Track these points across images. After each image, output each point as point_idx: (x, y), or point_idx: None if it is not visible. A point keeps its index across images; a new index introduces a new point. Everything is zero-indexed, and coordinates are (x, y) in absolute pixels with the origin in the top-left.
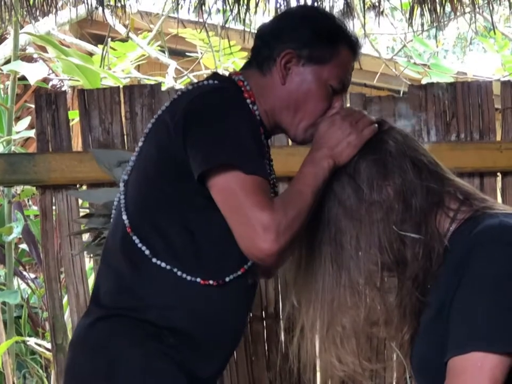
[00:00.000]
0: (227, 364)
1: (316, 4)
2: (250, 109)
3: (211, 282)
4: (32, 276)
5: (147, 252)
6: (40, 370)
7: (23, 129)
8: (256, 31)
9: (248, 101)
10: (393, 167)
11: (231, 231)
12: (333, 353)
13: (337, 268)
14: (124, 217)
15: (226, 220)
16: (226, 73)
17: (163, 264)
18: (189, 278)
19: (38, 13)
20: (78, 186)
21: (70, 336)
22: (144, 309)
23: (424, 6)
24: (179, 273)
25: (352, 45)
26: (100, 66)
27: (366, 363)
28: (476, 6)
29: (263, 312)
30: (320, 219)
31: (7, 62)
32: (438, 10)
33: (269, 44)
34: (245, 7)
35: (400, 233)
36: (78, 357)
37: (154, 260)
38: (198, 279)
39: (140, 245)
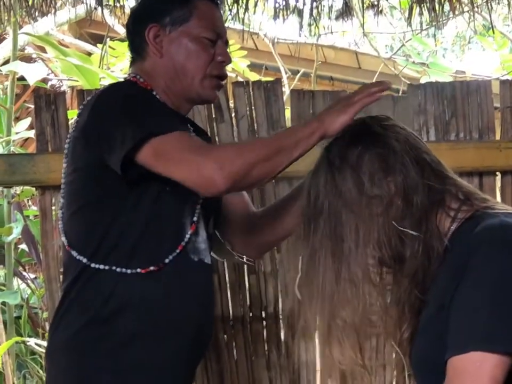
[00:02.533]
0: (202, 351)
1: (313, 4)
2: (151, 93)
3: (152, 268)
4: (32, 276)
5: (84, 260)
6: (40, 371)
7: (23, 129)
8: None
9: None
10: (395, 163)
11: (159, 213)
12: (333, 348)
13: (337, 261)
14: (63, 238)
15: (172, 178)
16: None
17: (101, 266)
18: (129, 271)
19: (36, 13)
20: None
21: None
22: (98, 317)
23: (423, 5)
24: (118, 269)
25: None
26: (99, 66)
27: (366, 359)
28: (475, 5)
29: (263, 312)
30: (321, 212)
31: (6, 62)
32: (437, 9)
33: (135, 31)
34: (243, 6)
35: (399, 229)
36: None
37: (92, 265)
38: (138, 270)
39: (78, 257)
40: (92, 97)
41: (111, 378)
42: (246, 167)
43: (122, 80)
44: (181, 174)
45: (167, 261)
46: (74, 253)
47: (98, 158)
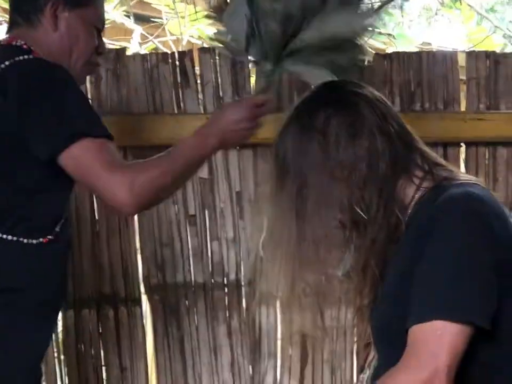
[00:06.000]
0: None
1: None
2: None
3: (50, 237)
4: None
5: None
6: None
7: None
8: None
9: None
10: (362, 129)
11: (56, 186)
12: (293, 312)
13: (300, 222)
14: None
15: (83, 184)
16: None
17: (9, 237)
18: (34, 241)
19: None
20: None
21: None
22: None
23: None
24: (25, 240)
25: None
26: None
27: (327, 326)
28: None
29: (225, 279)
30: (287, 172)
31: None
32: None
33: None
34: None
35: (362, 193)
36: None
37: None
38: (41, 239)
39: None
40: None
41: None
42: (154, 192)
43: (14, 45)
44: (98, 192)
45: (57, 229)
46: None
47: (17, 132)
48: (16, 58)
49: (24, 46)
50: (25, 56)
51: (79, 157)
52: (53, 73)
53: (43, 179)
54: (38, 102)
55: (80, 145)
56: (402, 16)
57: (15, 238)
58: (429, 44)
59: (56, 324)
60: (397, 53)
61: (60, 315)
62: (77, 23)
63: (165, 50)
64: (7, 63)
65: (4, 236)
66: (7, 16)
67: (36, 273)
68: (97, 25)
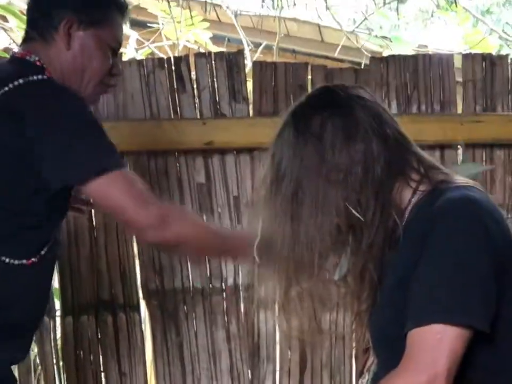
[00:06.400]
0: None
1: None
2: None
3: (33, 260)
4: None
5: None
6: None
7: None
8: (28, 2)
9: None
10: (358, 133)
11: (47, 209)
12: (290, 316)
13: (296, 226)
14: None
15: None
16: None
17: None
18: (17, 262)
19: None
20: None
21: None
22: None
23: None
24: (7, 260)
25: (121, 7)
26: None
27: (325, 331)
28: None
29: (223, 284)
30: (283, 176)
31: None
32: None
33: (44, 12)
34: None
35: (358, 197)
36: None
37: None
38: (24, 261)
39: None
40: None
41: None
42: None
43: (26, 60)
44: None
45: (43, 252)
46: None
47: (27, 157)
48: (31, 78)
49: (38, 63)
50: (39, 77)
51: (105, 190)
52: (71, 101)
53: (39, 204)
54: (57, 131)
55: (103, 180)
56: (398, 18)
57: None
58: (425, 46)
59: (20, 350)
60: (393, 56)
61: (58, 321)
62: (91, 42)
63: (161, 55)
64: (21, 81)
65: None
66: (4, 23)
67: (10, 294)
68: (113, 45)
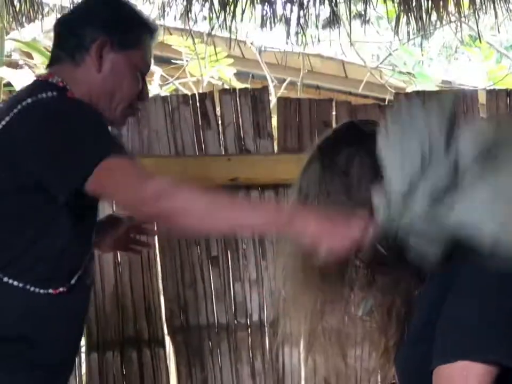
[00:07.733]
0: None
1: (300, 12)
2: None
3: (61, 289)
4: None
5: None
6: None
7: None
8: (57, 21)
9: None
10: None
11: (72, 233)
12: (316, 355)
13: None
14: None
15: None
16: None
17: (15, 283)
18: (42, 291)
19: (24, 19)
20: None
21: None
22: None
23: (410, 15)
24: (32, 288)
25: (152, 30)
26: None
27: (351, 367)
28: (462, 15)
29: (248, 320)
30: None
31: None
32: (424, 18)
33: (78, 33)
34: (231, 14)
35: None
36: None
37: (5, 279)
38: (50, 290)
39: None
40: (26, 109)
41: None
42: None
43: (48, 82)
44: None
45: (73, 281)
46: None
47: (31, 176)
48: (39, 96)
49: (60, 84)
50: (49, 93)
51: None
52: (71, 108)
53: (63, 225)
54: (42, 146)
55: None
56: (422, 54)
57: (21, 285)
58: (449, 82)
59: None
60: (417, 92)
61: (83, 358)
62: (123, 65)
63: (186, 91)
64: (29, 100)
65: (10, 281)
66: (29, 60)
67: (37, 327)
68: (143, 68)
